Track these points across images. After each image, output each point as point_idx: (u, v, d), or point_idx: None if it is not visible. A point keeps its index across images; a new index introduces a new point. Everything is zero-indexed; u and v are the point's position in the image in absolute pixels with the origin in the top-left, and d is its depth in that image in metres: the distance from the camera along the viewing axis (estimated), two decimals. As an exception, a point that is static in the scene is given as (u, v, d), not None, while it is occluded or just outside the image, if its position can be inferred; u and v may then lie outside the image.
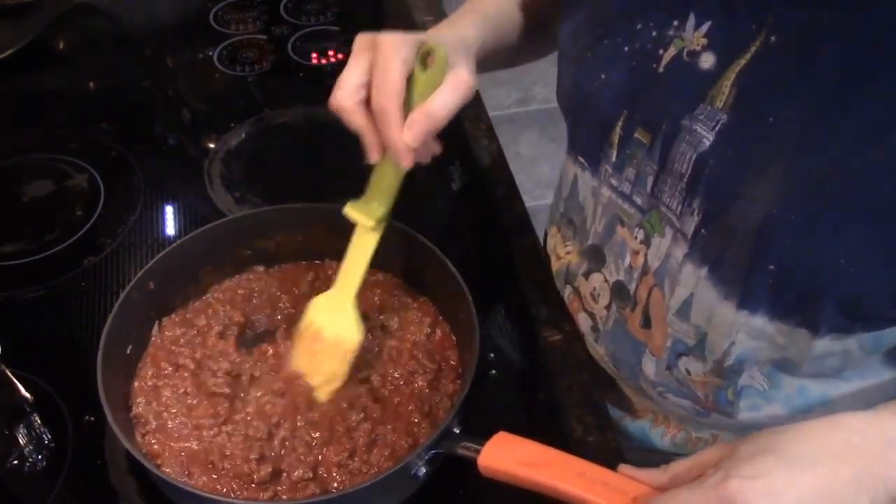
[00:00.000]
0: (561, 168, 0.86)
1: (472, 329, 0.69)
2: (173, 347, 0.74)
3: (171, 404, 0.70)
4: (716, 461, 0.52)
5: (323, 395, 0.70)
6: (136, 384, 0.72)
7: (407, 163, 0.63)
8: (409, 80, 0.62)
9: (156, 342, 0.75)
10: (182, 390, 0.71)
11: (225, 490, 0.65)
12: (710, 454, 0.53)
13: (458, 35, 0.71)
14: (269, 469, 0.65)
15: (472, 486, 0.67)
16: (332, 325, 0.71)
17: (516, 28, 0.82)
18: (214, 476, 0.65)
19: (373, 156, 0.65)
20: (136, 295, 0.72)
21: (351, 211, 0.68)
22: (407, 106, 0.62)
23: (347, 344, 0.70)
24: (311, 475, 0.65)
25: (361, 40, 0.64)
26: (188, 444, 0.67)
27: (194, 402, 0.70)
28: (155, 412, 0.70)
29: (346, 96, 0.62)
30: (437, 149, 0.68)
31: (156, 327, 0.76)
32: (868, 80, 0.53)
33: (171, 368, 0.73)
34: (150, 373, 0.72)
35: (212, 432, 0.68)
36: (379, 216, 0.68)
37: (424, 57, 0.63)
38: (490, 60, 0.78)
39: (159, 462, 0.66)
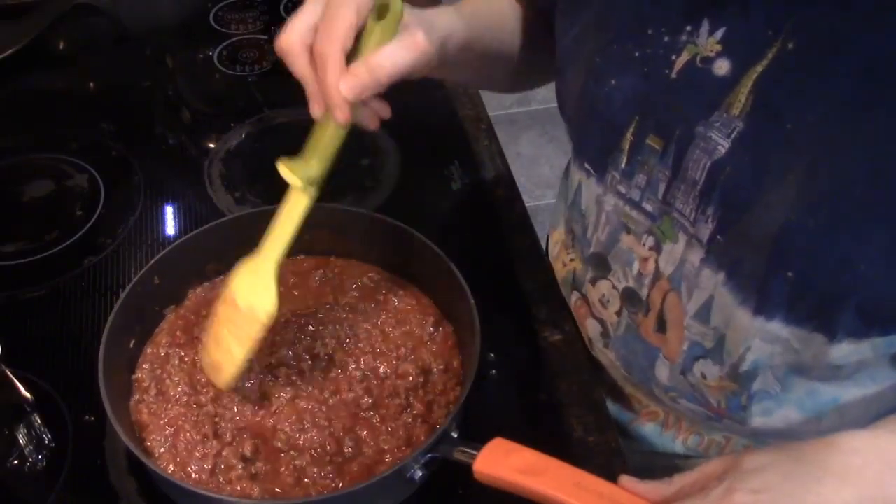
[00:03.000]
0: (563, 171, 0.86)
1: (472, 330, 0.68)
2: (193, 318, 0.76)
3: (174, 372, 0.71)
4: (720, 473, 0.52)
5: (221, 382, 0.67)
6: (148, 350, 0.73)
7: (341, 117, 0.58)
8: (362, 33, 0.58)
9: (178, 311, 0.77)
10: (190, 359, 0.72)
11: (205, 466, 0.65)
12: (713, 467, 0.53)
13: (429, 12, 0.66)
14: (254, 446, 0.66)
15: (469, 490, 0.67)
16: (246, 291, 0.66)
17: (507, 37, 0.80)
18: (197, 454, 0.66)
19: (314, 108, 0.61)
20: (142, 289, 0.73)
21: (283, 168, 0.63)
22: (354, 58, 0.58)
23: (258, 313, 0.65)
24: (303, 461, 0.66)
25: None
26: (184, 413, 0.68)
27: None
28: (157, 378, 0.71)
29: (292, 39, 0.58)
30: (384, 112, 0.63)
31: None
32: (889, 83, 0.52)
33: (186, 338, 0.74)
34: (164, 340, 0.74)
35: (210, 407, 0.69)
36: (311, 176, 0.62)
37: (381, 10, 0.58)
38: (476, 64, 0.75)
39: (145, 435, 0.67)
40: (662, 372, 0.75)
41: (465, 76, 0.81)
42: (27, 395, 0.73)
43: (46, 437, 0.71)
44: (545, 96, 2.63)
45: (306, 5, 0.60)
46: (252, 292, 0.66)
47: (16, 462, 0.70)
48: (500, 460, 0.59)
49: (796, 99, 0.56)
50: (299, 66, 0.59)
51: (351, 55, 0.58)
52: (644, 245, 0.71)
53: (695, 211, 0.64)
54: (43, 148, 1.02)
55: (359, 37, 0.59)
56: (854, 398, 0.68)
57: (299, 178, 0.62)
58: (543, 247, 0.92)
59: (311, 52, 0.59)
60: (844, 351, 0.62)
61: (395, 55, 0.58)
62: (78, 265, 0.87)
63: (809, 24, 0.55)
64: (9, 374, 0.74)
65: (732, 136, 0.59)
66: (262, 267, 0.66)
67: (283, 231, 0.65)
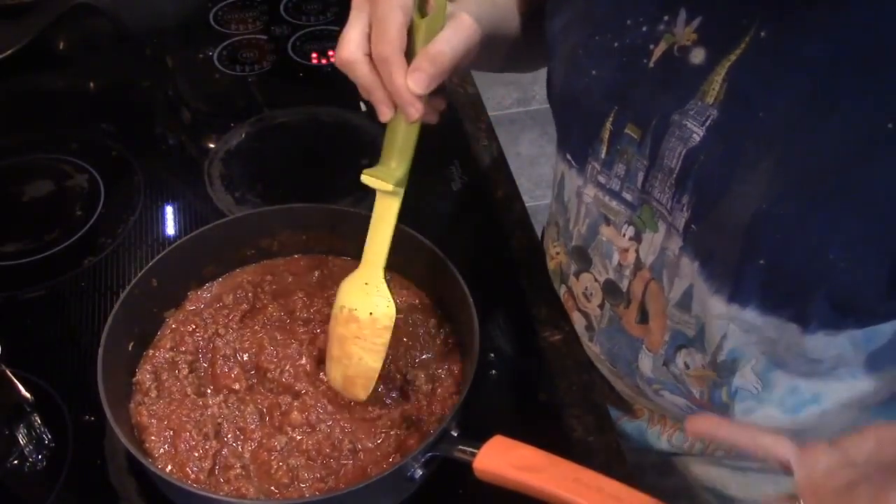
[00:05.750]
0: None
1: (472, 330, 0.69)
2: (196, 320, 0.76)
3: (179, 375, 0.71)
4: (863, 457, 0.48)
5: (362, 394, 0.68)
6: (150, 353, 0.74)
7: (414, 112, 0.61)
8: (410, 30, 0.61)
9: (178, 315, 0.77)
10: (193, 364, 0.72)
11: (204, 466, 0.66)
12: (858, 447, 0.49)
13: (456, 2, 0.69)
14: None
15: (470, 489, 0.67)
16: (363, 304, 0.68)
17: (515, 21, 0.81)
18: (196, 454, 0.66)
19: (384, 112, 0.62)
20: (139, 292, 0.73)
21: (368, 178, 0.64)
22: (410, 56, 0.61)
23: (383, 320, 0.67)
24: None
25: None
26: (186, 414, 0.68)
27: (207, 376, 0.72)
28: (160, 380, 0.71)
29: (351, 49, 0.61)
30: (442, 104, 0.66)
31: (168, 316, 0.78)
32: (859, 73, 0.52)
33: (191, 341, 0.74)
34: (168, 344, 0.74)
35: (214, 409, 0.69)
36: (397, 177, 0.64)
37: (422, 4, 0.62)
38: (488, 48, 0.75)
39: (144, 437, 0.67)
40: (646, 363, 0.75)
41: (483, 66, 0.82)
42: (27, 395, 0.73)
43: (46, 437, 0.71)
44: (545, 96, 2.63)
45: (352, 18, 0.62)
46: (369, 303, 0.68)
47: (16, 462, 0.70)
48: (500, 457, 0.59)
49: (767, 87, 0.56)
50: (363, 74, 0.61)
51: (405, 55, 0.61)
52: (624, 236, 0.71)
53: (671, 199, 0.65)
54: (43, 148, 1.02)
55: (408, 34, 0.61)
56: (835, 395, 0.68)
57: (387, 182, 0.63)
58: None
59: (371, 58, 0.61)
60: (821, 342, 0.62)
61: (451, 40, 0.61)
62: (78, 265, 0.87)
63: (780, 13, 0.55)
64: (9, 374, 0.74)
65: (706, 123, 0.60)
66: (372, 276, 0.68)
67: (383, 236, 0.67)
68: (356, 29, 0.61)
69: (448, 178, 0.97)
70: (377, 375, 0.67)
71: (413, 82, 0.60)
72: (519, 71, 0.94)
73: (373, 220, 0.67)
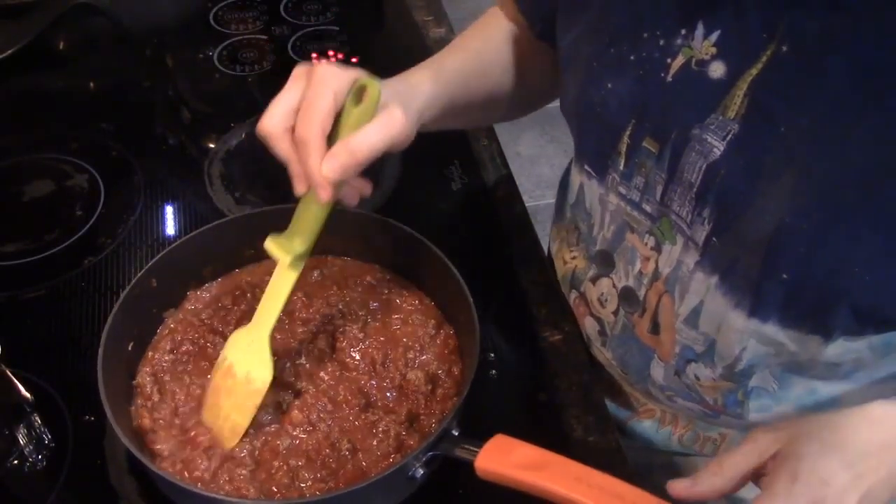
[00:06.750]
0: (563, 170, 0.86)
1: (472, 330, 0.69)
2: (194, 320, 0.76)
3: (179, 377, 0.71)
4: (772, 452, 0.52)
5: (228, 443, 0.67)
6: (150, 354, 0.74)
7: (325, 196, 0.61)
8: (341, 113, 0.62)
9: (177, 316, 0.77)
10: (193, 365, 0.72)
11: (206, 467, 0.65)
12: (763, 444, 0.54)
13: (406, 84, 0.70)
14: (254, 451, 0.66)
15: (471, 488, 0.67)
16: (243, 362, 0.69)
17: (493, 85, 0.82)
18: (198, 455, 0.66)
19: (298, 188, 0.63)
20: (139, 292, 0.73)
21: (271, 245, 0.66)
22: (334, 140, 0.61)
23: (256, 383, 0.67)
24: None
25: (298, 69, 0.64)
26: (187, 415, 0.68)
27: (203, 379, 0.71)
28: (160, 381, 0.71)
29: (273, 123, 0.61)
30: (366, 189, 0.67)
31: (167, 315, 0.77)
32: (881, 86, 0.52)
33: (189, 343, 0.74)
34: (168, 346, 0.74)
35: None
36: (297, 253, 0.65)
37: (359, 92, 0.62)
38: (462, 115, 0.78)
39: (144, 437, 0.67)
40: (658, 372, 0.75)
41: (454, 126, 0.83)
42: (27, 395, 0.73)
43: (46, 437, 0.71)
44: (545, 96, 2.63)
45: (286, 87, 0.63)
46: (249, 362, 0.68)
47: (16, 462, 0.70)
48: (502, 456, 0.59)
49: (789, 101, 0.56)
50: (282, 149, 0.62)
51: (331, 135, 0.61)
52: (646, 245, 0.71)
53: (691, 213, 0.64)
54: (43, 148, 1.02)
55: (338, 117, 0.62)
56: (852, 395, 0.69)
57: (287, 255, 0.65)
58: (544, 247, 0.92)
59: (293, 134, 0.61)
60: (840, 348, 0.63)
61: (373, 136, 0.61)
62: (78, 265, 0.87)
63: (801, 27, 0.55)
64: (9, 374, 0.74)
65: (727, 138, 0.60)
66: (257, 337, 0.69)
67: (275, 304, 0.68)
68: (285, 102, 0.62)
69: (448, 178, 0.97)
70: (244, 431, 0.67)
71: (328, 168, 0.60)
72: (520, 116, 0.94)
73: (269, 286, 0.68)
